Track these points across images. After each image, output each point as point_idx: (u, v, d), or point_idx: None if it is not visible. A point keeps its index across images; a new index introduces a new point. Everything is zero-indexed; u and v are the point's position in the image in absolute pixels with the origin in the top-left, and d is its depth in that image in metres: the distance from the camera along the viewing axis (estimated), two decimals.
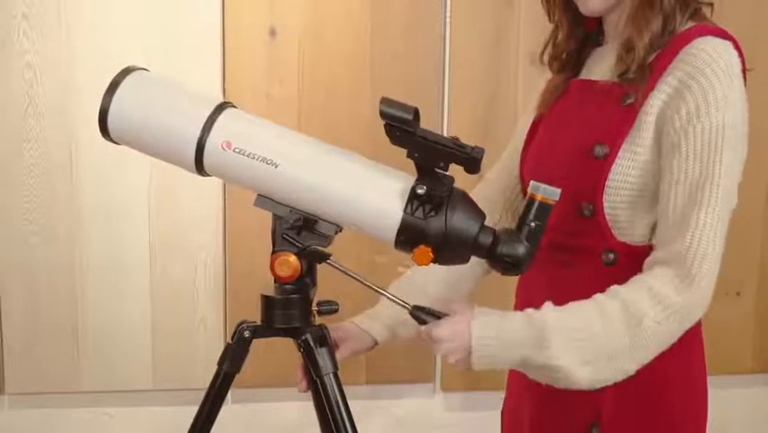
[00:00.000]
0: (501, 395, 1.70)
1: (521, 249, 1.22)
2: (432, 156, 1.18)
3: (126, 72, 1.31)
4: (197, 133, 1.26)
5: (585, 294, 1.30)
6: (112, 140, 1.33)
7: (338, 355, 1.39)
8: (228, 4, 2.38)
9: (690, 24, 1.37)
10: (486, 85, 2.50)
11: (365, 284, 1.33)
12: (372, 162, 1.30)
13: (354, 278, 1.33)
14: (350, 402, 1.34)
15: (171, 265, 2.46)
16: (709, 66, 1.28)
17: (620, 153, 1.33)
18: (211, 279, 2.48)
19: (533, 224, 1.22)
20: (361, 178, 1.27)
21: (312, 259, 1.32)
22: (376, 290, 1.35)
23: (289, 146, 1.30)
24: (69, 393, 2.48)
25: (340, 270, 1.32)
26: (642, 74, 1.34)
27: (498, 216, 1.61)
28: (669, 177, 1.30)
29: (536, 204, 1.23)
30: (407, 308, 1.32)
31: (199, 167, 1.29)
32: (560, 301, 1.33)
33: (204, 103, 1.29)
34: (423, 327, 1.30)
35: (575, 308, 1.29)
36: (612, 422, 1.41)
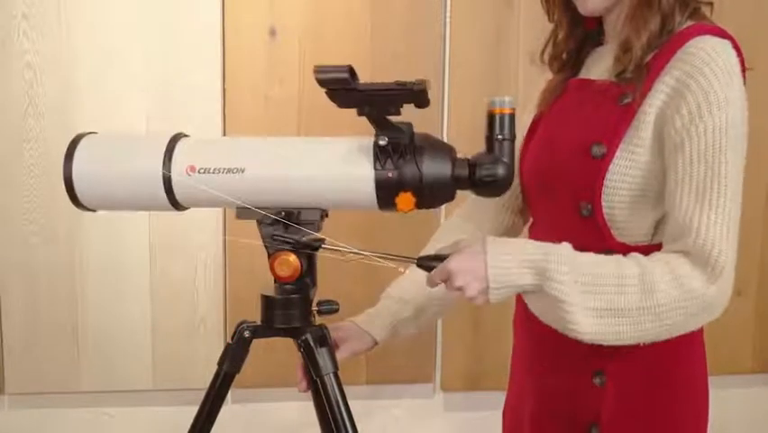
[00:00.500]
0: (501, 395, 1.70)
1: (499, 167, 1.23)
2: (381, 105, 1.18)
3: (77, 139, 1.34)
4: (159, 168, 1.28)
5: None
6: (85, 207, 1.36)
7: (338, 356, 1.39)
8: (228, 4, 2.38)
9: (689, 24, 1.36)
10: (486, 85, 2.50)
11: (364, 255, 1.31)
12: (326, 138, 1.31)
13: (352, 252, 1.32)
14: (350, 402, 1.34)
15: (171, 265, 2.46)
16: (708, 65, 1.27)
17: (618, 153, 1.33)
18: (211, 279, 2.48)
19: (499, 137, 1.23)
20: (322, 153, 1.28)
21: (308, 249, 1.32)
22: (376, 256, 1.33)
23: (246, 150, 1.32)
24: (69, 393, 2.49)
25: (337, 249, 1.32)
26: (639, 74, 1.33)
27: (502, 217, 1.61)
28: (674, 177, 1.29)
29: (497, 117, 1.23)
30: (413, 262, 1.31)
31: (172, 201, 1.31)
32: None
33: (157, 140, 1.32)
34: (434, 270, 1.28)
35: (593, 255, 1.28)
36: (612, 423, 1.41)
